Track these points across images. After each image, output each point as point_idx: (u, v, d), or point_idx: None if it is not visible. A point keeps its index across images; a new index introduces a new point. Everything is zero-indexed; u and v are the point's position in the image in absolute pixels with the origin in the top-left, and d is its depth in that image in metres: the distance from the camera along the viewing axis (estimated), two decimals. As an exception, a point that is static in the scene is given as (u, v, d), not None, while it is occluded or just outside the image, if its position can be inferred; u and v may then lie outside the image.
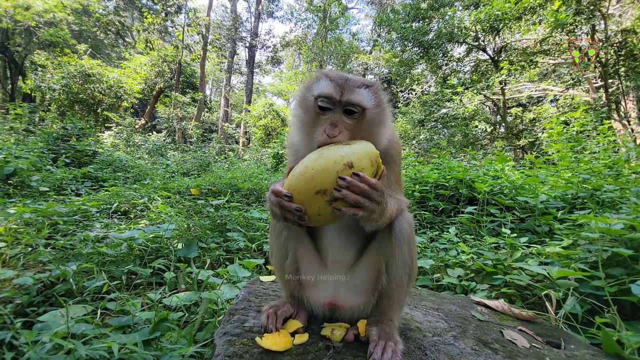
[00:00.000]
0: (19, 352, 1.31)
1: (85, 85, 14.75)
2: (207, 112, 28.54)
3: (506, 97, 13.91)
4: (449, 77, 15.01)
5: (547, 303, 1.73)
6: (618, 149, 5.87)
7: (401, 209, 1.13)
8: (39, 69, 15.76)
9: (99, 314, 1.58)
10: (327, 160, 0.95)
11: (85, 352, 1.15)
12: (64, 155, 7.49)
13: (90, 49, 20.84)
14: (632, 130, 10.22)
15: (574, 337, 1.42)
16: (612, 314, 1.50)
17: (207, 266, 2.36)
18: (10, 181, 4.95)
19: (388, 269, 1.10)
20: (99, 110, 15.87)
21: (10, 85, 21.33)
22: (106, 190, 5.21)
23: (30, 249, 2.48)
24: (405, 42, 14.58)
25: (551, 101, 15.07)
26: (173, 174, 8.81)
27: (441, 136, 14.81)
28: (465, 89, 13.17)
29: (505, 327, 1.41)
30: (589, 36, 10.21)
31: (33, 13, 18.46)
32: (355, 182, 0.92)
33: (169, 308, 1.74)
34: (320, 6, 27.83)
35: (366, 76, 22.18)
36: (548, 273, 1.76)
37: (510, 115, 14.73)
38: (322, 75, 1.14)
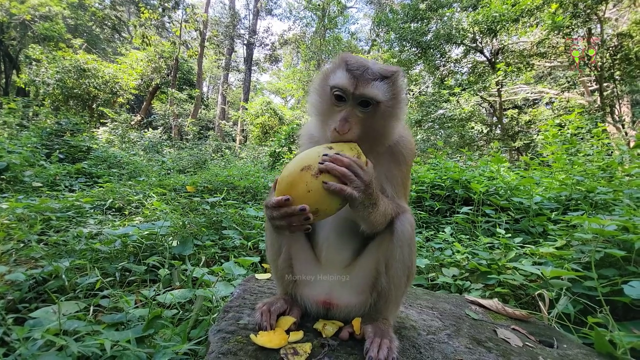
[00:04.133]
0: (10, 348, 1.29)
1: (80, 80, 14.60)
2: (204, 109, 28.38)
3: (502, 99, 13.99)
4: (446, 78, 15.06)
5: (540, 303, 1.74)
6: (612, 152, 5.92)
7: (400, 210, 1.12)
8: (34, 63, 15.56)
9: (91, 310, 1.57)
10: (312, 149, 1.01)
11: (78, 349, 1.14)
12: (57, 151, 7.40)
13: (85, 44, 20.59)
14: (626, 133, 10.33)
15: (567, 336, 1.44)
16: (605, 314, 1.51)
17: (202, 264, 2.35)
18: (3, 176, 4.89)
19: (387, 269, 1.09)
20: (94, 106, 15.72)
21: (4, 79, 21.04)
22: (100, 187, 5.16)
23: (22, 244, 2.44)
24: (404, 43, 14.60)
25: (546, 104, 15.17)
26: (169, 171, 8.76)
27: (438, 137, 14.87)
28: (462, 90, 13.23)
29: (499, 326, 1.42)
30: (585, 39, 10.30)
31: (28, 6, 18.21)
32: (337, 156, 0.93)
33: (163, 305, 1.72)
34: (319, 5, 27.76)
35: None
36: (541, 273, 1.78)
37: (506, 117, 14.81)
38: (341, 62, 1.08)
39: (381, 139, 1.11)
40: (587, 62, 9.93)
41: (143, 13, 19.81)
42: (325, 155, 0.94)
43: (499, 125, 14.65)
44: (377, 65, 1.08)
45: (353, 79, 1.02)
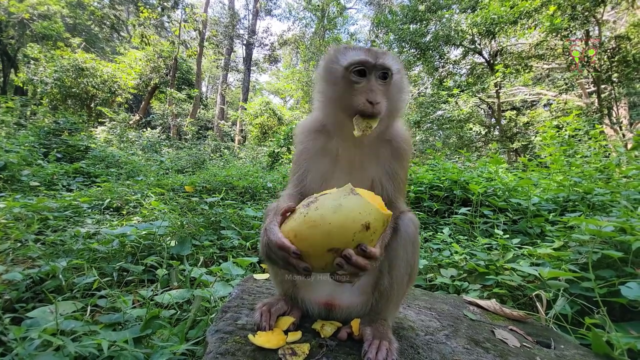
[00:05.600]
0: (7, 348, 1.29)
1: (79, 80, 14.57)
2: (202, 109, 28.34)
3: (501, 101, 14.04)
4: (445, 79, 15.10)
5: (537, 303, 1.75)
6: (609, 154, 5.95)
7: (401, 211, 1.15)
8: (32, 62, 15.52)
9: (88, 311, 1.56)
10: (347, 217, 0.87)
11: (75, 349, 1.13)
12: (55, 150, 7.38)
13: (84, 43, 20.54)
14: (624, 135, 10.37)
15: (564, 337, 1.44)
16: (602, 315, 1.52)
17: (200, 264, 2.35)
18: (0, 175, 4.87)
19: (391, 269, 1.09)
20: (92, 105, 15.69)
21: (2, 78, 20.94)
22: (98, 186, 5.14)
23: (19, 244, 2.43)
24: (403, 44, 14.64)
25: (544, 105, 15.23)
26: (167, 171, 8.73)
27: (436, 138, 14.92)
28: (460, 92, 13.27)
29: (497, 326, 1.42)
30: (583, 42, 10.35)
31: (27, 5, 18.14)
32: (359, 262, 0.86)
33: (161, 305, 1.72)
34: (318, 5, 27.78)
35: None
36: (539, 274, 1.78)
37: (505, 119, 14.86)
38: (343, 47, 1.15)
39: (394, 115, 1.15)
40: (585, 63, 9.98)
41: (142, 12, 19.75)
42: (348, 258, 0.86)
43: (497, 127, 14.70)
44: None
45: (370, 52, 1.09)
